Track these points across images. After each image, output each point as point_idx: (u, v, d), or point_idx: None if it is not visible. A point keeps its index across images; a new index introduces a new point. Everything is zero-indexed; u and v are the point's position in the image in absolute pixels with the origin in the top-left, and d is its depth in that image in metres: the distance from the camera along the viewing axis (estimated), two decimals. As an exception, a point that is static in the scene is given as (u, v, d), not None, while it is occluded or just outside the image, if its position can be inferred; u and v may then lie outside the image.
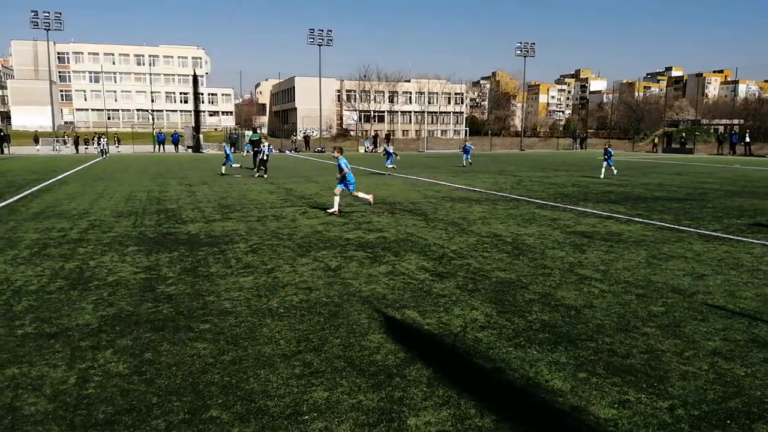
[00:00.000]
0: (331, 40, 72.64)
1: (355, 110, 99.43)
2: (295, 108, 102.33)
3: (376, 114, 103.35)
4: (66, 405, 4.38)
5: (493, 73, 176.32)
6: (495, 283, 7.91)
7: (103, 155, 44.33)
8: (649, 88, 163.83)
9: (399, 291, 7.48)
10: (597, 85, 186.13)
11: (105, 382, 4.77)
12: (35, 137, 64.62)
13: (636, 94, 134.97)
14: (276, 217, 13.75)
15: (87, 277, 8.09)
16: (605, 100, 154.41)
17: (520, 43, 77.23)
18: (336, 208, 14.40)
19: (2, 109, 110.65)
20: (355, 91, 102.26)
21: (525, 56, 77.61)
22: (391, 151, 31.26)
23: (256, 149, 28.44)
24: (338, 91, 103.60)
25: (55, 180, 24.06)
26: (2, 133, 54.05)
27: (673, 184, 23.91)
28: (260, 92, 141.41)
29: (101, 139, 46.73)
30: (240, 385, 4.74)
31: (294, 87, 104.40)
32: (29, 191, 19.33)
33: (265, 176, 25.46)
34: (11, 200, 16.76)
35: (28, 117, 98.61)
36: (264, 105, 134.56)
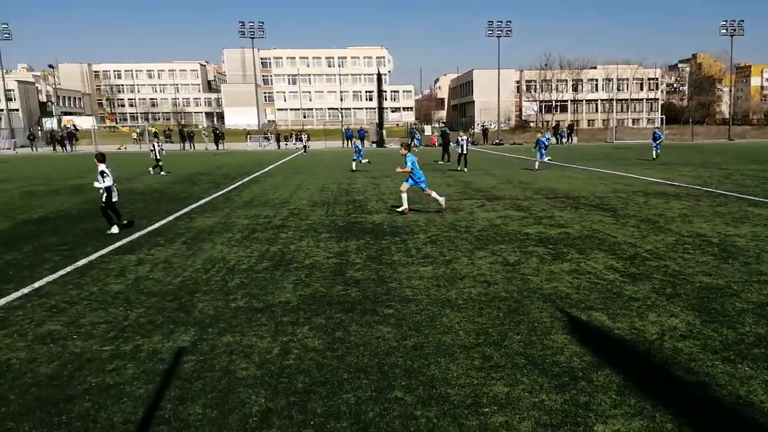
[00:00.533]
0: (510, 30, 71.07)
1: (535, 101, 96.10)
2: (473, 101, 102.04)
3: (558, 104, 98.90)
4: (271, 372, 4.91)
5: (693, 55, 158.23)
6: (698, 288, 7.14)
7: (304, 150, 48.16)
8: None
9: (584, 291, 7.11)
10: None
11: (303, 355, 5.25)
12: (247, 134, 72.82)
13: None
14: (454, 210, 13.90)
15: (288, 260, 8.96)
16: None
17: (726, 21, 68.35)
18: (405, 205, 13.65)
19: (218, 110, 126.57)
20: (535, 81, 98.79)
21: (731, 35, 68.45)
22: (547, 144, 26.99)
23: (444, 142, 29.17)
24: (517, 82, 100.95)
25: (262, 173, 26.95)
26: (218, 132, 61.82)
27: None
28: (439, 87, 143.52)
29: (302, 136, 50.83)
30: (422, 370, 4.90)
31: (472, 80, 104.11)
32: (240, 182, 21.92)
33: (466, 170, 25.60)
34: (226, 190, 19.17)
35: (238, 117, 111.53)
36: (442, 100, 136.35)
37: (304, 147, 48.71)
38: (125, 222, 11.88)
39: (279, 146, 61.13)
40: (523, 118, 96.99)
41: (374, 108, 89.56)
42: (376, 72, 74.32)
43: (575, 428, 3.95)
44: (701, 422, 3.99)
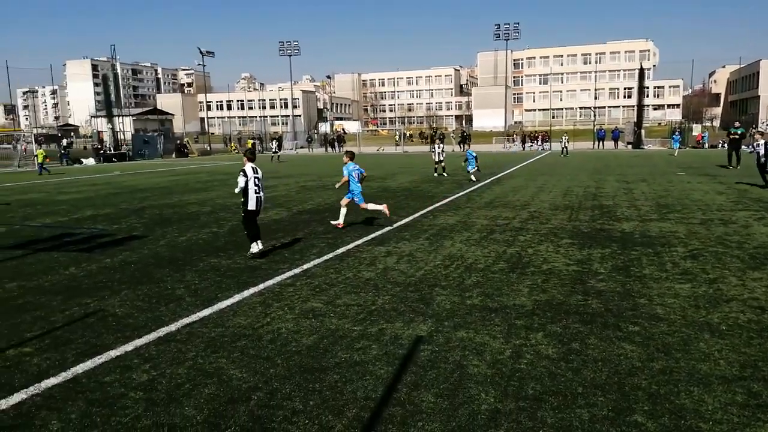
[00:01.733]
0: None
1: None
2: (758, 96, 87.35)
3: None
4: (501, 374, 4.93)
5: None
6: None
7: (563, 153, 44.94)
8: None
9: None
10: None
11: (535, 362, 5.15)
12: (492, 136, 73.64)
13: None
14: (723, 222, 12.13)
15: (524, 263, 8.86)
16: None
17: None
18: (341, 220, 12.22)
19: (467, 113, 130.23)
20: None
21: None
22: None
23: (735, 145, 26.35)
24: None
25: (504, 174, 27.02)
26: (465, 134, 63.64)
27: None
28: (714, 81, 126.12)
29: (563, 137, 47.11)
30: (669, 397, 4.43)
31: (758, 72, 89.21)
32: (482, 183, 22.28)
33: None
34: (468, 190, 19.67)
35: (485, 119, 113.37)
36: (717, 95, 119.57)
37: (563, 149, 45.22)
38: (258, 250, 9.31)
39: (523, 147, 60.42)
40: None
41: (633, 106, 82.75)
42: (639, 67, 68.46)
43: None
44: None
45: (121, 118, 54.13)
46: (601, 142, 58.22)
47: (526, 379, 4.81)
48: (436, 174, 26.09)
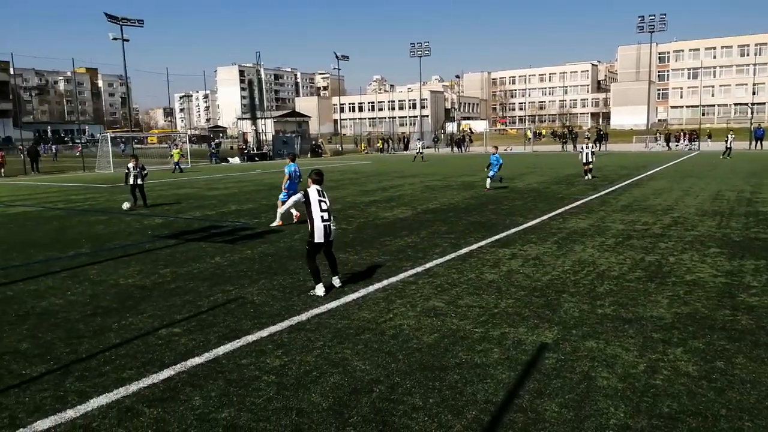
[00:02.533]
0: None
1: None
2: None
3: None
4: (633, 388, 4.63)
5: None
6: None
7: (725, 155, 38.92)
8: None
9: None
10: None
11: (673, 378, 4.78)
12: (632, 134, 69.01)
13: None
14: None
15: (665, 272, 8.22)
16: None
17: None
18: (278, 220, 13.11)
19: (604, 110, 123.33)
20: None
21: None
22: None
23: None
24: None
25: (644, 175, 25.23)
26: (601, 132, 60.29)
27: None
28: None
29: (728, 135, 42.14)
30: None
31: None
32: (619, 185, 20.98)
33: None
34: (603, 192, 18.62)
35: (624, 117, 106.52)
36: None
37: (727, 150, 39.20)
38: (322, 293, 7.38)
39: (668, 147, 55.98)
40: None
41: (800, 102, 73.37)
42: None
43: None
44: None
45: (263, 120, 58.01)
46: (759, 142, 52.34)
47: (661, 396, 4.48)
48: (587, 177, 23.32)
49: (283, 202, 12.01)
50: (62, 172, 37.96)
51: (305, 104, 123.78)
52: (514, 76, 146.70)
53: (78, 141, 75.17)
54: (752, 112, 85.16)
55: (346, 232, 12.23)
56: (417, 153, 43.78)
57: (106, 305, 7.17)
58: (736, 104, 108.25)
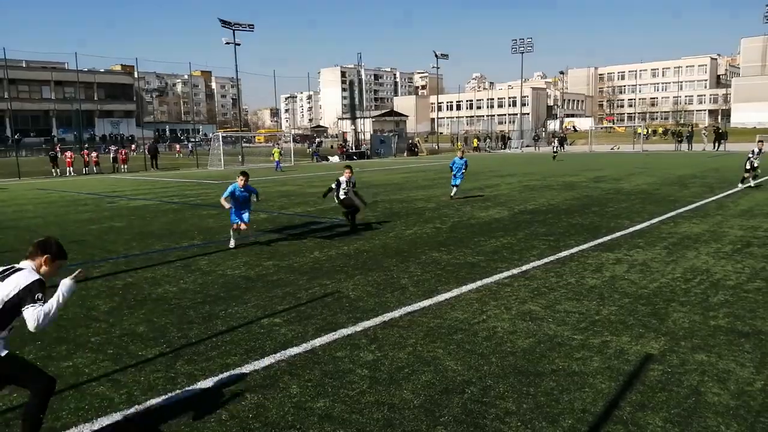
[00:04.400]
0: None
1: None
2: None
3: None
4: (748, 407, 4.27)
5: None
6: None
7: None
8: None
9: None
10: None
11: (795, 400, 4.36)
12: (756, 134, 63.48)
13: None
14: None
15: (790, 284, 7.49)
16: None
17: None
18: (232, 243, 10.75)
19: (724, 107, 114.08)
20: None
21: None
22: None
23: None
24: None
25: (768, 178, 23.06)
26: (720, 131, 55.78)
27: None
28: None
29: None
30: None
31: None
32: (740, 188, 19.32)
33: None
34: (720, 195, 17.24)
35: (748, 114, 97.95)
36: None
37: None
38: None
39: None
40: None
41: None
42: None
43: None
44: None
45: (362, 119, 59.18)
46: None
47: (782, 418, 4.10)
48: (752, 184, 19.35)
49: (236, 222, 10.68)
50: (178, 168, 40.84)
51: (403, 103, 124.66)
52: (624, 71, 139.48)
53: (186, 140, 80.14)
54: None
55: (440, 231, 12.20)
56: (554, 152, 42.68)
57: (215, 294, 7.64)
58: None
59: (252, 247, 10.79)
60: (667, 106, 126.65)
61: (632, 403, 4.40)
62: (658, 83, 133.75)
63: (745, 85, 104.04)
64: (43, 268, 3.67)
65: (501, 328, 6.10)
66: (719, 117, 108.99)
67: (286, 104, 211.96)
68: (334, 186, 12.69)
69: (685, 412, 4.23)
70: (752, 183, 19.49)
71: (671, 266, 8.59)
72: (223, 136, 46.78)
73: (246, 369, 5.17)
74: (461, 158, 18.11)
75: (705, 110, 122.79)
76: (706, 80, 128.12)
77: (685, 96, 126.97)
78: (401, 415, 4.30)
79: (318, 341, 5.80)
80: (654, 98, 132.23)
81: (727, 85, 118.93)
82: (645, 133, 66.71)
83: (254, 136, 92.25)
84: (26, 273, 3.57)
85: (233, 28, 48.37)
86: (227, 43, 47.85)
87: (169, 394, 4.71)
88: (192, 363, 5.34)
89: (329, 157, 52.40)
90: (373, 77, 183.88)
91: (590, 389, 4.65)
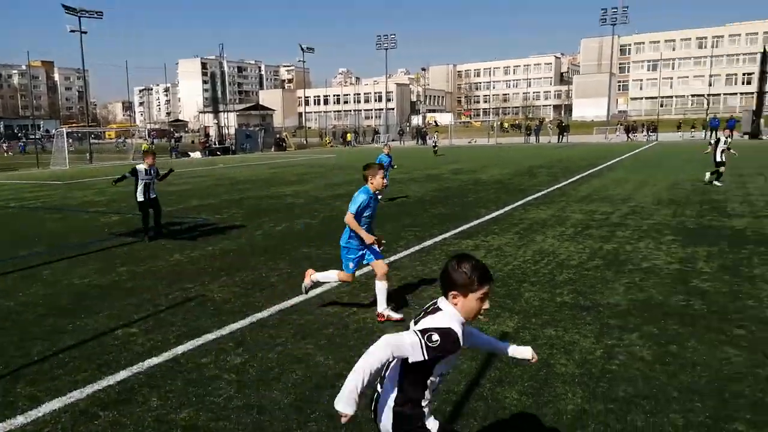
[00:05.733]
0: None
1: None
2: None
3: None
4: (590, 374, 4.73)
5: None
6: None
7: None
8: None
9: None
10: None
11: (628, 363, 4.90)
12: (593, 126, 70.51)
13: None
14: None
15: (622, 260, 8.42)
16: None
17: None
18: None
19: (566, 102, 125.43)
20: None
21: None
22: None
23: None
24: None
25: (604, 166, 25.77)
26: (562, 124, 61.29)
27: None
28: None
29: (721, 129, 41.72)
30: (778, 409, 4.06)
31: None
32: (580, 176, 21.38)
33: None
34: (563, 183, 18.95)
35: (586, 108, 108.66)
36: None
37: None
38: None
39: (628, 138, 57.34)
40: None
41: (752, 93, 76.04)
42: (762, 50, 62.63)
43: None
44: None
45: (225, 113, 57.12)
46: (714, 132, 53.96)
47: (617, 380, 4.59)
48: (717, 183, 17.10)
49: None
50: (15, 169, 36.70)
51: (269, 97, 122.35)
52: (479, 69, 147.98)
53: (24, 137, 72.37)
54: (708, 103, 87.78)
55: (310, 226, 12.15)
56: (433, 146, 43.31)
57: (61, 306, 6.96)
58: (693, 95, 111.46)
59: (104, 253, 9.99)
60: (518, 102, 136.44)
61: (491, 379, 4.68)
62: (510, 80, 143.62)
63: (584, 82, 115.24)
64: None
65: (371, 320, 6.20)
66: (562, 111, 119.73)
67: (141, 97, 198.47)
68: (128, 174, 11.03)
69: (537, 384, 4.58)
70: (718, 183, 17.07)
71: (522, 249, 9.28)
72: (68, 132, 42.78)
73: (99, 385, 4.76)
74: (387, 155, 17.13)
75: (550, 105, 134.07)
76: (551, 77, 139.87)
77: (533, 92, 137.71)
78: (271, 416, 4.21)
79: (180, 349, 5.51)
80: (506, 94, 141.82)
81: (569, 82, 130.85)
82: (505, 127, 71.40)
83: (104, 132, 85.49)
84: None
85: (79, 14, 44.40)
86: (72, 31, 43.87)
87: (8, 421, 4.22)
88: (35, 384, 4.82)
89: (190, 153, 50.00)
90: (236, 70, 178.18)
91: (454, 370, 4.87)
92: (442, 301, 2.65)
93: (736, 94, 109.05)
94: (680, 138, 56.22)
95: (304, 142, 66.11)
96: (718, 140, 17.70)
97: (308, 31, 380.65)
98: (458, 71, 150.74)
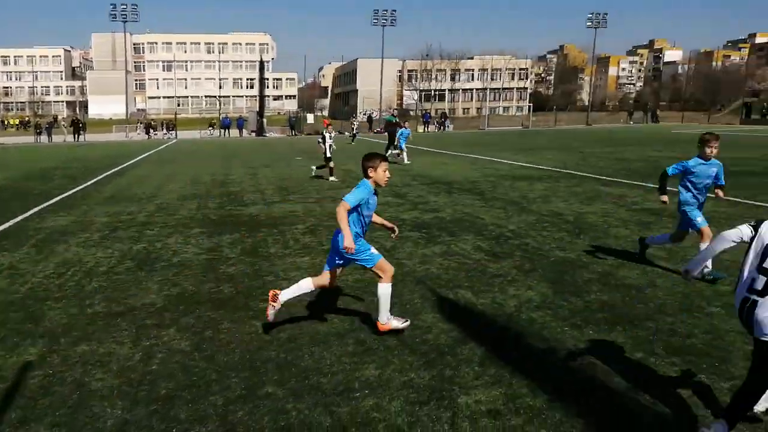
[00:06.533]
0: (395, 20, 72.35)
1: (416, 90, 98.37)
2: (356, 90, 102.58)
3: (436, 93, 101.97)
4: (131, 381, 4.59)
5: (561, 46, 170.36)
6: (553, 262, 7.69)
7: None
8: (729, 57, 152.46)
9: (453, 271, 7.40)
10: (672, 55, 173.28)
11: (168, 359, 4.96)
12: (112, 125, 67.86)
13: (714, 64, 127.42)
14: (334, 199, 13.87)
15: (153, 259, 8.45)
16: (680, 71, 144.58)
17: (592, 14, 74.74)
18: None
19: (81, 99, 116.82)
20: (416, 71, 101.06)
21: (596, 27, 74.97)
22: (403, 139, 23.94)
23: (390, 131, 26.56)
24: (399, 71, 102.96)
25: (127, 165, 25.24)
26: (78, 122, 56.99)
27: (754, 157, 22.44)
28: (323, 75, 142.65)
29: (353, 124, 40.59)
30: (295, 362, 4.82)
31: (356, 69, 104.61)
32: (102, 176, 20.36)
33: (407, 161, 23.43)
34: (84, 185, 17.71)
35: (103, 106, 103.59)
36: (326, 88, 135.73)
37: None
38: None
39: (149, 136, 57.69)
40: (404, 106, 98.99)
41: (255, 96, 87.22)
42: (259, 59, 72.23)
43: (440, 402, 4.09)
44: (551, 387, 4.28)
45: None
46: (226, 131, 59.81)
47: (158, 380, 4.59)
48: (332, 178, 17.77)
49: None
50: None
51: None
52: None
53: None
54: (220, 104, 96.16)
55: None
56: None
57: None
58: (207, 96, 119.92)
59: None
60: (24, 97, 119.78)
61: (13, 423, 4.00)
62: (11, 72, 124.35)
63: (99, 79, 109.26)
64: None
65: None
66: (78, 108, 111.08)
67: None
68: None
69: (70, 409, 4.15)
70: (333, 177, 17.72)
71: (42, 264, 8.24)
72: None
73: None
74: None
75: (64, 102, 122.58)
76: (62, 72, 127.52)
77: (42, 87, 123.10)
78: None
79: None
80: (8, 87, 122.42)
81: (83, 77, 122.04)
82: (10, 124, 61.15)
83: None
84: None
85: None
86: None
87: None
88: None
89: None
90: None
91: None
92: None
93: (242, 96, 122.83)
94: (199, 136, 59.92)
95: None
96: (324, 137, 17.97)
97: None
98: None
